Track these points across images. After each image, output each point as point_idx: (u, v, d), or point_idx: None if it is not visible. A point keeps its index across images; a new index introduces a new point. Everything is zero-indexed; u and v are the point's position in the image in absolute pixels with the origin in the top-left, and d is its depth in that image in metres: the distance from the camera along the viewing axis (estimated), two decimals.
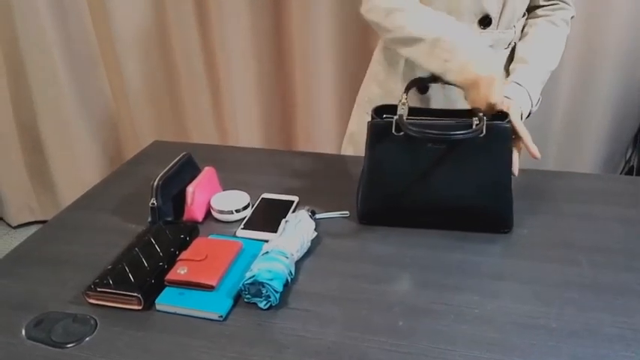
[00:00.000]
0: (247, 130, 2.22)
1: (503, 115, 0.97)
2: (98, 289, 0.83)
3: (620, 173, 2.17)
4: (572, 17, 1.20)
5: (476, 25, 1.13)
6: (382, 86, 1.26)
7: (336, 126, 2.12)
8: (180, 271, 0.86)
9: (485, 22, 1.12)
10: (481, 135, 0.91)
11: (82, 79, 2.25)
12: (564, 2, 1.18)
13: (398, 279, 0.87)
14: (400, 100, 1.05)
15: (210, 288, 0.84)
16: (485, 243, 0.96)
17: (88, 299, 0.84)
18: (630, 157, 2.13)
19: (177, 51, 2.15)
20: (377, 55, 1.30)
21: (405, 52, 1.08)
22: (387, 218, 1.01)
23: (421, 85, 1.17)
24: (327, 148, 2.15)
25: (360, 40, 1.72)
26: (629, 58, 1.89)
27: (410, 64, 1.19)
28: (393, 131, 0.94)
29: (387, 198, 0.99)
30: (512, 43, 1.20)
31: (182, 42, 2.12)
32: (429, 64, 1.03)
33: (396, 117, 0.94)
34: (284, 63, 2.10)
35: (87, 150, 2.39)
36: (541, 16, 1.19)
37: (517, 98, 1.07)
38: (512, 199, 0.98)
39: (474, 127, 0.92)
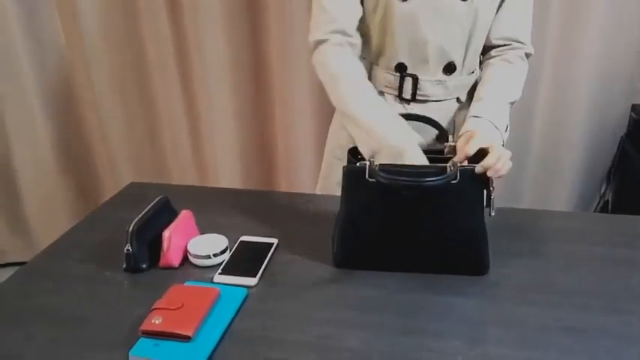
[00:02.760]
0: (227, 171, 2.21)
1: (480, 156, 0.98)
2: None
3: (596, 208, 2.20)
4: (528, 54, 1.21)
5: (441, 73, 1.15)
6: None
7: (317, 165, 2.12)
8: (154, 321, 0.83)
9: (449, 68, 1.15)
10: (454, 181, 0.92)
11: (57, 116, 2.23)
12: (518, 42, 1.19)
13: (378, 325, 0.86)
14: None
15: (186, 338, 0.81)
16: (465, 285, 0.95)
17: None
18: (605, 192, 2.17)
19: (158, 90, 2.15)
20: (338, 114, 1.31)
21: (344, 122, 1.12)
22: (364, 262, 1.00)
23: None
24: (308, 187, 2.14)
25: None
26: (601, 95, 1.94)
27: None
28: (367, 177, 0.94)
29: (363, 243, 0.99)
30: (474, 84, 1.22)
31: (162, 83, 2.12)
32: (361, 147, 1.07)
33: (367, 162, 0.94)
34: (263, 103, 2.12)
35: (62, 190, 2.35)
36: (495, 56, 1.20)
37: (479, 129, 1.06)
38: (487, 242, 0.98)
39: (448, 172, 0.92)
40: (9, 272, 1.07)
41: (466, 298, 0.92)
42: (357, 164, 0.96)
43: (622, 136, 2.03)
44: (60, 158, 2.31)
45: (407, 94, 1.17)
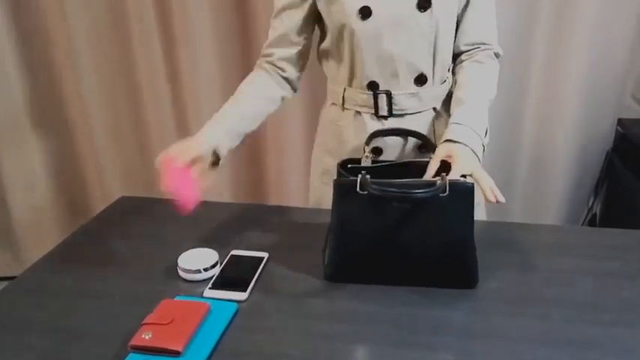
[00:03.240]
0: (217, 184, 2.21)
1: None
2: None
3: (584, 221, 2.22)
4: (497, 54, 1.22)
5: (413, 85, 1.16)
6: (335, 156, 1.26)
7: (307, 177, 2.12)
8: (144, 336, 0.83)
9: (420, 80, 1.16)
10: (444, 194, 0.93)
11: (47, 132, 2.22)
12: (485, 44, 1.20)
13: (368, 339, 0.86)
14: (364, 154, 1.07)
15: (176, 354, 0.81)
16: (455, 298, 0.96)
17: None
18: (592, 205, 2.19)
19: (147, 103, 2.15)
20: (323, 127, 1.33)
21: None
22: (354, 276, 1.00)
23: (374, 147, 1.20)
24: (299, 200, 2.14)
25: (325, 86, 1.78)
26: (588, 109, 1.96)
27: (354, 129, 1.22)
28: (358, 190, 0.95)
29: (354, 256, 0.99)
30: (450, 93, 1.23)
31: (152, 95, 2.12)
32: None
33: (359, 176, 0.95)
34: None
35: (51, 203, 2.34)
36: (465, 60, 1.21)
37: (469, 142, 1.06)
38: (476, 255, 0.98)
39: (437, 185, 0.93)
40: None
41: (456, 311, 0.93)
42: (350, 178, 0.96)
43: (608, 151, 2.06)
44: (49, 171, 2.30)
45: (383, 110, 1.19)
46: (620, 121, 2.00)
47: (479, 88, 1.17)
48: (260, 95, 1.21)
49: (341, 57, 1.19)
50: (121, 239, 1.19)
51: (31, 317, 0.93)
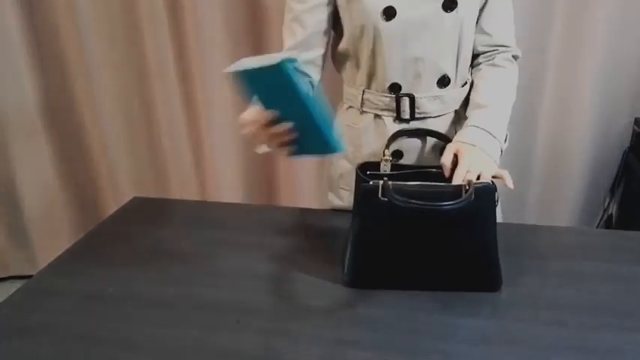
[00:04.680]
0: (229, 184, 2.20)
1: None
2: None
3: (599, 222, 2.19)
4: (515, 57, 1.20)
5: (436, 87, 1.15)
6: (351, 159, 1.25)
7: (319, 178, 2.12)
8: None
9: (443, 82, 1.14)
10: (470, 198, 0.91)
11: (59, 132, 2.24)
12: (503, 46, 1.18)
13: (387, 345, 0.85)
14: (383, 157, 1.06)
15: None
16: (474, 304, 0.95)
17: None
18: (608, 205, 2.16)
19: (158, 104, 2.15)
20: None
21: None
22: (375, 282, 0.99)
23: (396, 149, 1.18)
24: (311, 201, 2.14)
25: (339, 95, 1.77)
26: (604, 108, 1.94)
27: (374, 133, 1.20)
28: (380, 196, 0.93)
29: (375, 263, 0.98)
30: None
31: (163, 95, 2.12)
32: None
33: (381, 182, 0.94)
34: None
35: (64, 204, 2.35)
36: (482, 62, 1.20)
37: (479, 142, 1.05)
38: (498, 257, 0.97)
39: (463, 195, 0.92)
40: (10, 285, 1.06)
41: (475, 317, 0.91)
42: (371, 182, 0.95)
43: (625, 150, 2.03)
44: (61, 171, 2.31)
45: (405, 114, 1.16)
46: (637, 120, 1.97)
47: (499, 93, 1.15)
48: None
49: (359, 58, 1.16)
50: (136, 239, 1.19)
51: (47, 319, 0.93)
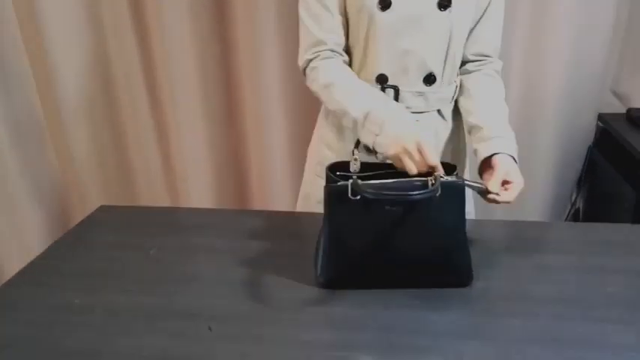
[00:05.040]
0: (199, 191, 2.18)
1: (451, 168, 0.99)
2: None
3: (567, 216, 2.23)
4: (497, 71, 1.25)
5: (421, 84, 1.16)
6: (333, 149, 1.26)
7: (291, 183, 2.11)
8: None
9: (430, 80, 1.16)
10: (437, 194, 0.92)
11: (25, 145, 2.17)
12: (491, 57, 1.23)
13: (363, 344, 0.85)
14: (353, 157, 1.05)
15: None
16: (447, 299, 0.95)
17: None
18: (575, 200, 2.20)
19: (124, 110, 2.12)
20: (322, 120, 1.31)
21: (344, 122, 1.13)
22: (348, 282, 0.99)
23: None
24: (284, 201, 2.12)
25: (311, 99, 1.77)
26: (568, 105, 1.97)
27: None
28: (350, 195, 0.93)
29: (349, 262, 0.98)
30: (456, 96, 1.24)
31: (129, 102, 2.09)
32: (362, 137, 1.07)
33: (351, 181, 0.94)
34: (235, 121, 2.09)
35: (30, 214, 2.28)
36: (473, 70, 1.23)
37: (508, 164, 1.08)
38: (469, 252, 0.98)
39: (429, 186, 0.93)
40: None
41: (448, 312, 0.92)
42: (338, 183, 0.95)
43: (589, 146, 2.07)
44: (25, 177, 2.24)
45: None
46: (600, 117, 2.01)
47: (503, 110, 1.19)
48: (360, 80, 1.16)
49: (355, 48, 1.17)
50: (102, 248, 1.16)
51: (13, 333, 0.91)
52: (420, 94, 1.17)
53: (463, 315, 0.91)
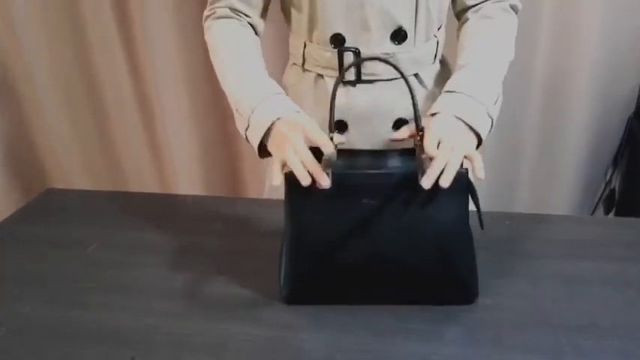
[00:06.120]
0: (186, 172, 1.97)
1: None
2: None
3: (601, 196, 1.99)
4: (513, 7, 0.96)
5: (389, 42, 0.90)
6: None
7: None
8: None
9: (399, 36, 0.90)
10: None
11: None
12: None
13: None
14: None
15: None
16: (444, 322, 0.74)
17: None
18: (610, 178, 1.96)
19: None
20: None
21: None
22: (318, 295, 0.79)
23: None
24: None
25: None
26: (606, 73, 1.72)
27: (314, 96, 0.98)
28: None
29: (317, 269, 0.77)
30: (440, 56, 0.98)
31: (110, 75, 1.88)
32: (241, 131, 0.89)
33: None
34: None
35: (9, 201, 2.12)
36: (471, 18, 0.96)
37: (455, 110, 0.82)
38: (474, 260, 0.77)
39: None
40: None
41: (445, 342, 0.71)
42: None
43: (629, 117, 1.82)
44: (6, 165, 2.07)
45: (350, 74, 0.92)
46: None
47: (485, 47, 0.91)
48: (254, 48, 0.95)
49: (303, 3, 0.92)
50: (34, 244, 0.98)
51: None
52: (389, 55, 0.90)
53: (465, 345, 0.70)
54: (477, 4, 0.95)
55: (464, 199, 0.75)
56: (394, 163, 0.79)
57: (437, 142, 0.75)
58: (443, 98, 0.85)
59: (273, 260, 0.81)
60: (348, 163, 0.76)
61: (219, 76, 0.93)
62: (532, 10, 1.58)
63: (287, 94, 1.00)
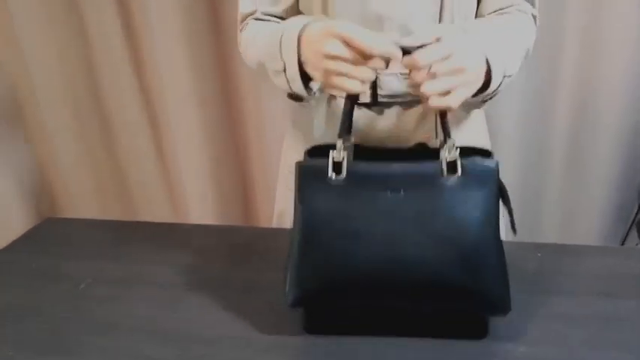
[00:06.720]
0: (198, 203, 1.92)
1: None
2: None
3: (634, 220, 1.88)
4: (534, 16, 0.88)
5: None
6: (303, 149, 0.94)
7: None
8: None
9: None
10: (456, 174, 0.66)
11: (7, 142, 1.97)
12: (511, 6, 0.86)
13: None
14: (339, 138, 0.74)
15: None
16: None
17: None
18: None
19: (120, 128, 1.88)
20: (290, 127, 1.01)
21: (272, 81, 0.83)
22: (325, 300, 0.70)
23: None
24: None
25: None
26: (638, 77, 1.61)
27: (326, 117, 0.90)
28: (330, 174, 0.67)
29: (328, 274, 0.68)
30: None
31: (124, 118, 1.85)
32: (280, 86, 0.80)
33: (331, 154, 0.67)
34: (235, 126, 1.82)
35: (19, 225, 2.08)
36: None
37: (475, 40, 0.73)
38: (505, 267, 0.68)
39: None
40: None
41: None
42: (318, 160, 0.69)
43: None
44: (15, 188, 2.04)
45: (364, 96, 0.84)
46: None
47: (505, 21, 0.84)
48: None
49: (309, 13, 0.86)
50: (23, 278, 0.91)
51: None
52: (407, 76, 0.82)
53: None
54: (499, 9, 0.87)
55: (493, 199, 0.67)
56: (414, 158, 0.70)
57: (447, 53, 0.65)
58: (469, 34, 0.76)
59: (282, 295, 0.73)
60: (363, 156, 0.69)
61: (254, 59, 0.86)
62: (556, 21, 1.50)
63: (297, 114, 0.93)
